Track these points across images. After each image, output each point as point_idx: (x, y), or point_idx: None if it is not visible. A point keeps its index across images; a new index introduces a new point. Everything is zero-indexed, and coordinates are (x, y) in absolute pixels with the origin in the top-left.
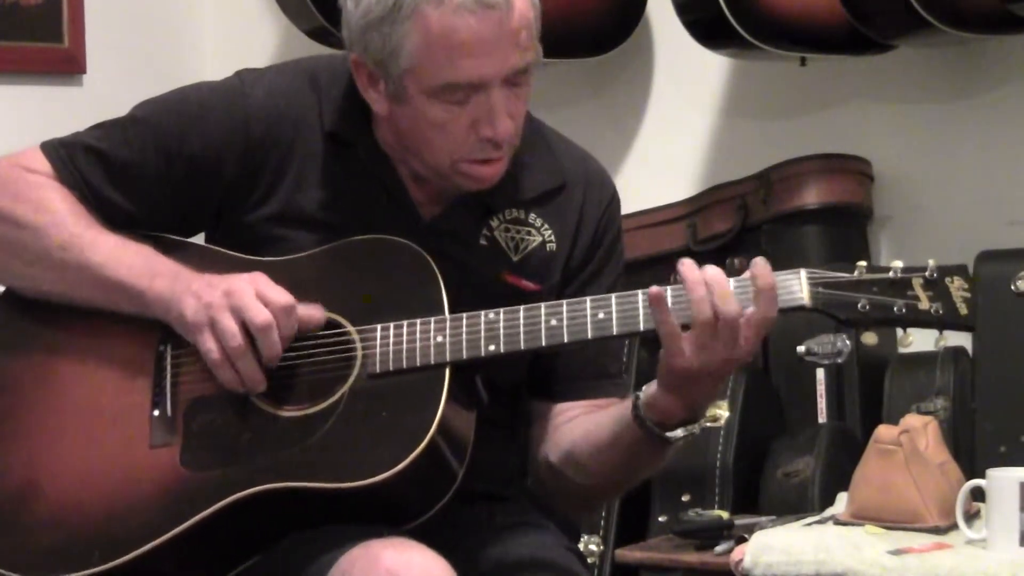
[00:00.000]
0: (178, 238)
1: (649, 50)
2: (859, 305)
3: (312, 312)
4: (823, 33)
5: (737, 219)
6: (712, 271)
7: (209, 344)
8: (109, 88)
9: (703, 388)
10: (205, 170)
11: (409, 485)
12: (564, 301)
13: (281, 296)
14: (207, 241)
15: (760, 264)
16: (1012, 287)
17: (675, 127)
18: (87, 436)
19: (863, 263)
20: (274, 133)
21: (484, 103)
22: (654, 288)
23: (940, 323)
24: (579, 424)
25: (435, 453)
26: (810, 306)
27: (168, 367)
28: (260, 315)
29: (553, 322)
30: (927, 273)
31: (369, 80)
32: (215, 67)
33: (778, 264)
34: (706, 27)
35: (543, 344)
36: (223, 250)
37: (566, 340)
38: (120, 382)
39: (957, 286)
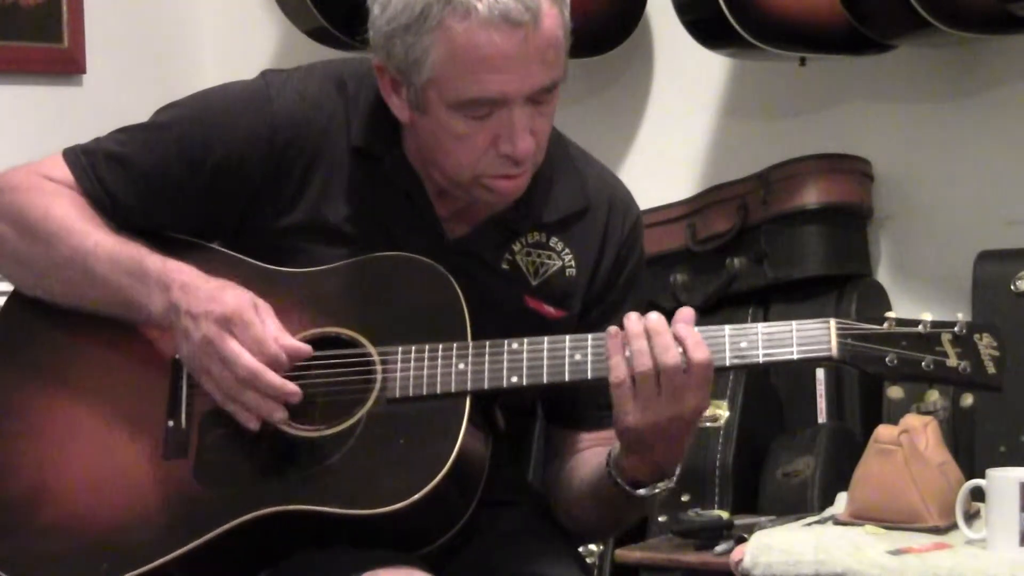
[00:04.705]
0: (201, 242)
1: (649, 50)
2: (887, 359)
3: (299, 348)
4: (823, 33)
5: (737, 219)
6: (654, 320)
7: (210, 387)
8: (109, 88)
9: (661, 450)
10: (229, 177)
11: (422, 514)
12: (589, 336)
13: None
14: (224, 246)
15: (682, 314)
16: (1012, 287)
17: (675, 127)
18: (100, 441)
19: (892, 314)
20: (300, 141)
21: (506, 119)
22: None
23: (967, 382)
24: (577, 466)
25: (450, 484)
26: (837, 357)
27: (185, 376)
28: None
29: (577, 357)
30: (956, 329)
31: (392, 86)
32: (215, 67)
33: (778, 264)
34: (706, 27)
35: (567, 380)
36: (245, 258)
37: (589, 377)
38: (136, 387)
39: (986, 343)
